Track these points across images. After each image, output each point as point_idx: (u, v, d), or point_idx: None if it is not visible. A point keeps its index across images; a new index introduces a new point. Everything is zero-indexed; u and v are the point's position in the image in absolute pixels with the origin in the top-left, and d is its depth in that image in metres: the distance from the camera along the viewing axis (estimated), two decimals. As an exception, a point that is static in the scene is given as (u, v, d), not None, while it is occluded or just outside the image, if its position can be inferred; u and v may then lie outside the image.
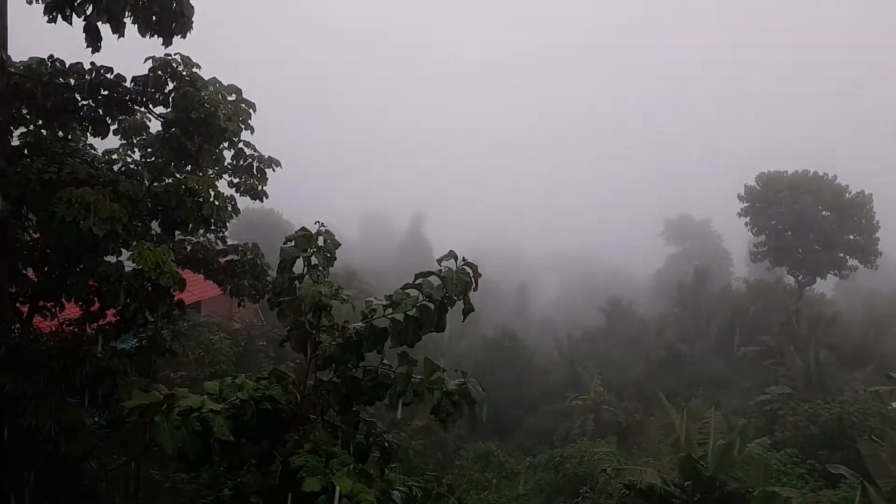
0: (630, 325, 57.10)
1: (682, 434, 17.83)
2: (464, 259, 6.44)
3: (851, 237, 44.64)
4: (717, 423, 18.58)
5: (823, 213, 44.41)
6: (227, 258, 13.71)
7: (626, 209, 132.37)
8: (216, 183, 11.36)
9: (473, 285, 6.43)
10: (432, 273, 6.35)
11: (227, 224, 12.63)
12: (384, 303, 6.35)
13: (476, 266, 6.51)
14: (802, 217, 43.82)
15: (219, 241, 14.12)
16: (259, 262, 13.46)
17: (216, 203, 10.43)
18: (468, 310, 6.48)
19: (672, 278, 69.08)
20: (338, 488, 4.94)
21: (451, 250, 6.43)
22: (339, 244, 6.67)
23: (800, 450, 21.03)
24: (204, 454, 5.13)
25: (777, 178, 46.05)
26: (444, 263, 6.36)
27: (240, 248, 13.74)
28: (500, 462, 29.33)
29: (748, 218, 47.42)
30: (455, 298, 6.30)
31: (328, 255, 6.49)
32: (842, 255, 45.01)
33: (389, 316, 6.28)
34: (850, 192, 44.38)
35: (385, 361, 6.51)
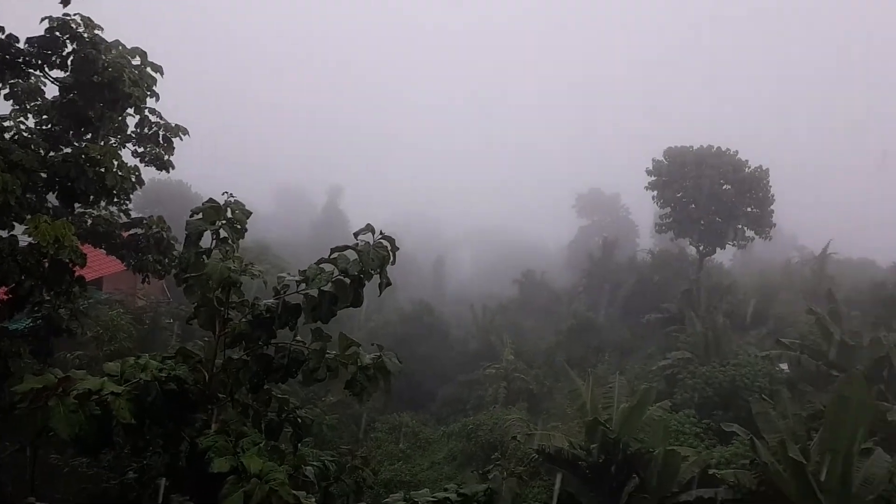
0: (542, 296, 58.70)
1: (589, 399, 18.56)
2: (381, 233, 6.37)
3: (749, 209, 47.13)
4: (621, 387, 19.42)
5: (724, 186, 46.64)
6: (131, 232, 13.05)
7: (541, 184, 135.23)
8: (119, 152, 10.76)
9: (391, 259, 6.39)
10: (348, 247, 6.26)
11: (131, 196, 12.01)
12: (297, 278, 6.21)
13: (393, 240, 6.46)
14: (705, 190, 45.93)
15: (122, 215, 13.39)
16: (165, 235, 12.90)
17: (119, 173, 9.90)
18: (385, 284, 6.44)
19: (583, 250, 71.38)
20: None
21: (367, 224, 6.35)
22: (250, 213, 6.45)
23: (697, 410, 22.33)
24: (104, 438, 4.91)
25: (682, 152, 47.93)
26: (360, 237, 6.28)
27: (144, 222, 13.10)
28: (415, 432, 29.76)
29: (655, 191, 49.26)
30: (372, 273, 6.24)
31: (238, 226, 6.27)
32: (740, 226, 47.49)
33: (303, 291, 6.15)
34: (749, 167, 46.80)
35: (298, 338, 6.39)
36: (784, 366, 24.66)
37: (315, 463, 6.90)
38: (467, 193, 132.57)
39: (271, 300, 6.24)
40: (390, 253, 6.27)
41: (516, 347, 40.36)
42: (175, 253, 12.54)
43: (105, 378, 5.15)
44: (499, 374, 36.08)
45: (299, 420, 6.83)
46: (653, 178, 48.95)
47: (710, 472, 15.93)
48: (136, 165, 11.42)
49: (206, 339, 6.49)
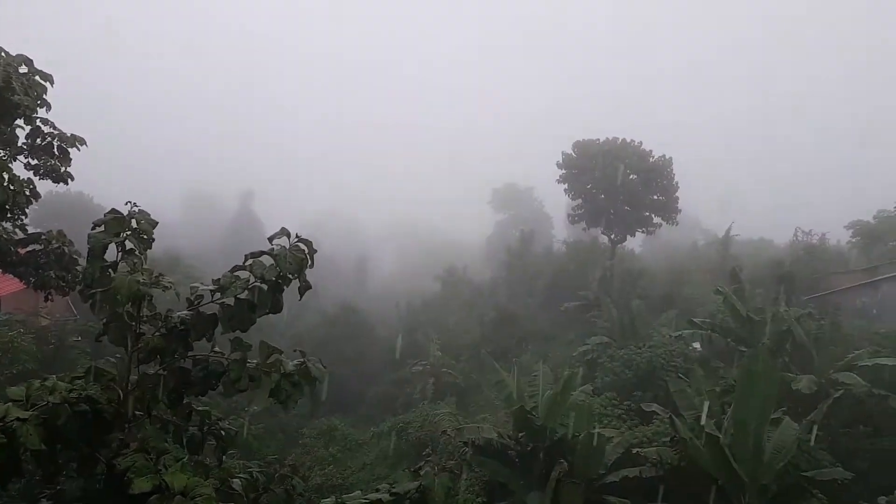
0: (465, 291, 59.33)
1: (515, 389, 18.89)
2: (297, 236, 6.25)
3: (655, 197, 49.14)
4: (545, 375, 19.85)
5: (631, 176, 48.40)
6: (29, 248, 12.29)
7: (459, 180, 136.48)
8: (9, 165, 10.10)
9: (309, 262, 6.27)
10: (264, 252, 6.11)
11: (27, 211, 11.30)
12: (212, 287, 6.02)
13: (311, 242, 6.35)
14: (613, 181, 47.50)
15: (17, 230, 12.59)
16: (66, 250, 12.22)
17: (11, 187, 9.28)
18: (305, 288, 6.32)
19: (501, 243, 72.56)
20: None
21: (283, 227, 6.22)
22: (156, 223, 6.17)
23: (618, 393, 23.08)
24: (13, 467, 4.62)
25: (590, 145, 49.43)
26: (276, 241, 6.13)
27: (43, 237, 12.35)
28: (344, 435, 29.50)
29: (566, 184, 50.60)
30: (290, 277, 6.12)
31: (144, 237, 6.00)
32: (647, 213, 49.44)
33: (218, 301, 5.96)
34: (653, 157, 48.75)
35: (217, 349, 6.20)
36: (696, 344, 25.82)
37: (242, 475, 6.71)
38: (386, 192, 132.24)
39: (185, 312, 6.03)
40: (308, 256, 6.17)
41: (442, 343, 40.61)
42: (79, 268, 11.91)
43: (9, 404, 4.84)
44: (426, 371, 36.23)
45: (223, 432, 6.64)
46: (563, 171, 50.25)
47: (634, 451, 16.52)
48: (29, 178, 10.74)
49: (118, 355, 6.19)
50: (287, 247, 6.04)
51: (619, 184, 47.47)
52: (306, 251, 6.17)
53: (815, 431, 16.42)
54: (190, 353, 6.06)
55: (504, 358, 36.01)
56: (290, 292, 6.25)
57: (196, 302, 5.95)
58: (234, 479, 5.98)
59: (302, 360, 6.26)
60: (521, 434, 17.40)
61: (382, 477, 23.88)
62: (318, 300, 51.29)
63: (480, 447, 17.66)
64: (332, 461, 27.43)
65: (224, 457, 6.71)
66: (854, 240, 51.81)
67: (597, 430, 16.73)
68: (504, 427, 19.31)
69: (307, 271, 6.26)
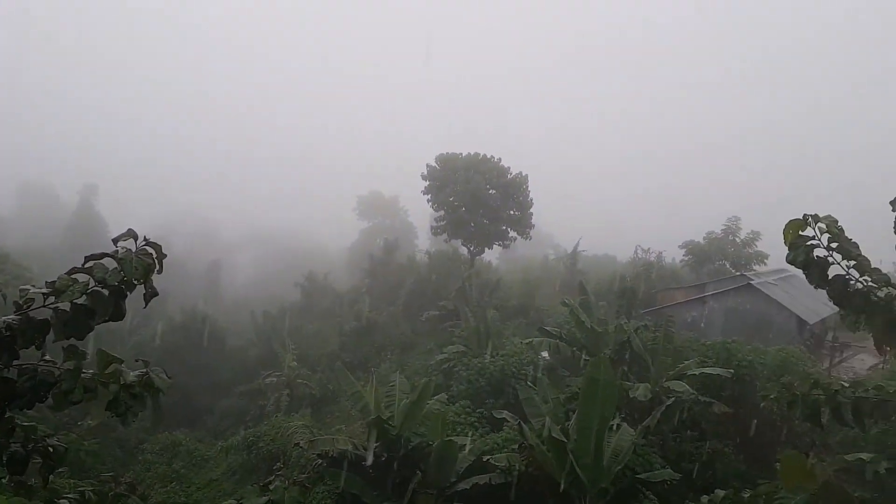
0: (326, 299, 58.42)
1: (371, 399, 18.87)
2: (145, 238, 5.89)
3: (512, 212, 51.23)
4: (401, 384, 20.01)
5: (491, 191, 50.16)
6: None
7: (323, 187, 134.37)
8: None
9: (157, 267, 5.93)
10: (106, 255, 5.71)
11: None
12: (45, 290, 5.54)
13: (160, 246, 5.99)
14: (474, 194, 49.00)
15: None
16: None
17: None
18: (151, 294, 5.95)
19: (364, 252, 72.29)
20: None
21: (129, 229, 5.83)
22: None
23: (472, 401, 23.68)
24: None
25: (453, 158, 50.67)
26: (121, 243, 5.75)
27: None
28: (190, 450, 28.03)
29: (430, 195, 51.48)
30: (135, 282, 5.76)
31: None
32: (505, 227, 51.41)
33: (52, 305, 5.50)
34: (511, 173, 50.80)
35: (48, 357, 5.71)
36: (545, 353, 27.08)
37: (71, 495, 6.23)
38: (245, 195, 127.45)
39: (12, 316, 5.52)
40: (156, 261, 5.85)
41: (300, 352, 39.74)
42: None
43: None
44: (281, 382, 35.26)
45: (50, 449, 6.11)
46: (427, 182, 51.10)
47: (485, 458, 17.01)
48: None
49: (-74, 366, 5.53)
50: (133, 250, 5.70)
51: (479, 198, 48.99)
52: (154, 255, 5.85)
53: (650, 436, 17.82)
54: (15, 362, 5.55)
55: (363, 367, 35.95)
56: (134, 298, 5.91)
57: (25, 306, 5.46)
58: (62, 500, 5.54)
59: (144, 370, 5.92)
60: (376, 444, 17.39)
61: (229, 493, 22.89)
62: (166, 307, 48.58)
63: (335, 459, 17.47)
64: (176, 478, 25.98)
65: (52, 476, 6.19)
66: (686, 258, 56.61)
67: (450, 438, 17.09)
68: (360, 438, 19.23)
69: (155, 277, 5.94)
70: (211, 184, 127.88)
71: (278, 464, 21.15)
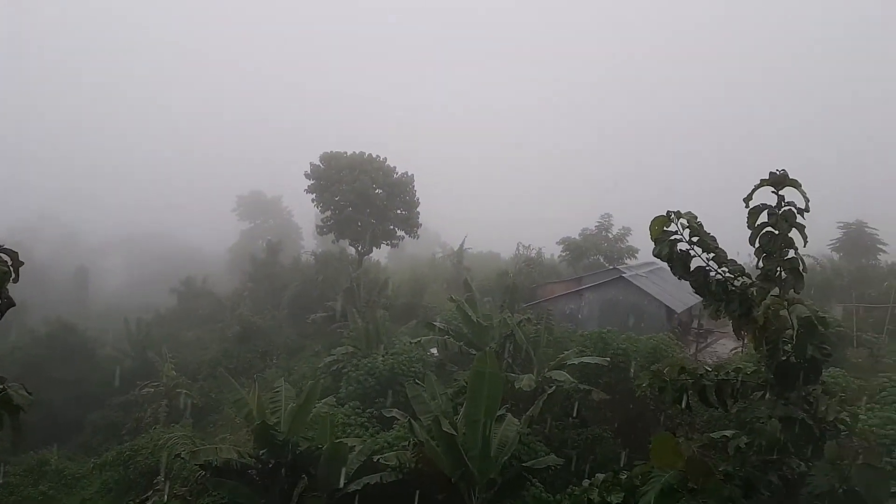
0: (205, 304, 56.13)
1: (255, 405, 18.31)
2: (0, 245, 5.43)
3: (399, 212, 51.36)
4: (288, 389, 19.55)
5: (377, 191, 50.04)
6: None
7: (199, 187, 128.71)
8: None
9: (14, 276, 5.48)
10: (-50, 263, 5.21)
11: None
12: None
13: (17, 253, 5.55)
14: (360, 194, 48.68)
15: None
16: None
17: None
18: (6, 305, 5.50)
19: (246, 253, 70.00)
20: None
21: (-22, 235, 5.33)
22: None
23: (361, 401, 23.53)
24: None
25: (338, 157, 50.08)
26: (-30, 251, 5.27)
27: None
28: (58, 470, 26.05)
29: (315, 194, 50.60)
30: (-14, 293, 5.30)
31: None
32: (392, 227, 51.45)
33: None
34: (397, 173, 50.90)
35: None
36: (434, 350, 27.35)
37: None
38: (114, 197, 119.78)
39: None
40: (12, 269, 5.39)
41: (179, 361, 37.93)
42: None
43: None
44: (159, 392, 33.52)
45: None
46: (312, 181, 50.21)
47: (376, 458, 16.97)
48: None
49: None
50: (-15, 257, 5.22)
51: (366, 197, 48.76)
52: (10, 263, 5.39)
53: (534, 425, 18.42)
54: None
55: (247, 374, 34.79)
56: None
57: None
58: None
59: (1, 386, 5.44)
60: (262, 451, 16.89)
61: (104, 512, 21.53)
62: (28, 318, 44.94)
63: (219, 469, 16.79)
64: (43, 500, 24.07)
65: None
66: (564, 254, 59.09)
67: (339, 440, 16.90)
68: (245, 446, 18.60)
69: (10, 286, 5.47)
70: (75, 185, 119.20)
71: (158, 478, 20.09)
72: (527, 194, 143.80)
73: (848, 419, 6.93)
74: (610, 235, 60.15)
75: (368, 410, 22.63)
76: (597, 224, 61.05)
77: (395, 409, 19.90)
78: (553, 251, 62.46)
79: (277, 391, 19.87)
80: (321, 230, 52.73)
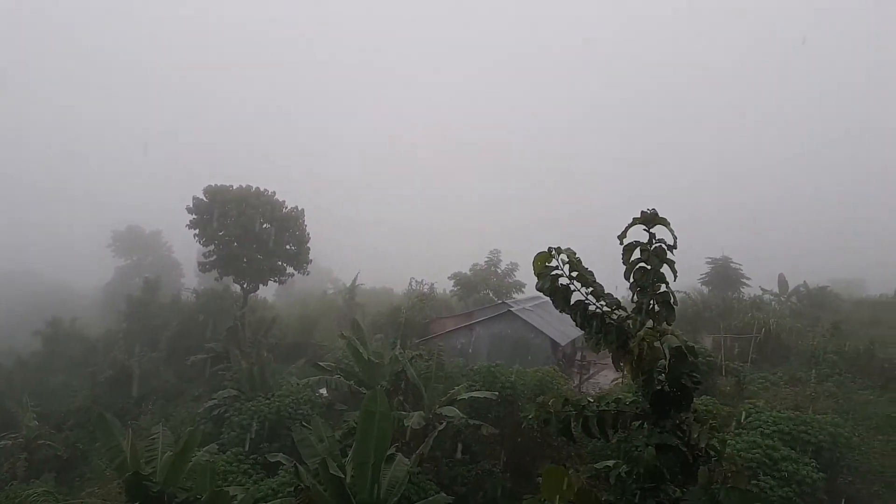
0: (75, 346, 52.18)
1: (128, 454, 17.05)
2: None
3: (288, 247, 50.16)
4: (165, 436, 18.36)
5: (265, 225, 48.69)
6: None
7: (72, 222, 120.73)
8: None
9: None
10: None
11: None
12: None
13: None
14: (247, 229, 47.18)
15: None
16: None
17: None
18: None
19: (121, 292, 65.91)
20: None
21: None
22: None
23: (245, 447, 22.49)
24: None
25: (223, 191, 48.41)
26: None
27: None
28: None
29: (197, 229, 48.53)
30: None
31: None
32: (280, 263, 50.11)
33: None
34: (286, 207, 49.84)
35: None
36: (323, 390, 26.65)
37: None
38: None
39: None
40: None
41: (42, 410, 34.81)
42: None
43: None
44: (17, 445, 30.52)
45: None
46: (194, 216, 48.22)
47: (258, 505, 16.19)
48: None
49: None
50: None
51: (253, 232, 47.33)
52: None
53: (424, 464, 18.24)
54: None
55: (121, 421, 32.34)
56: None
57: None
58: None
59: None
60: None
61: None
62: None
63: (83, 527, 15.43)
64: None
65: None
66: (455, 289, 59.92)
67: (220, 489, 15.99)
68: (116, 499, 17.20)
69: None
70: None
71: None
72: (421, 229, 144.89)
73: (718, 445, 7.28)
74: (499, 270, 61.67)
75: (252, 456, 21.64)
76: (486, 259, 62.47)
77: (281, 454, 19.11)
78: (445, 286, 63.17)
79: (154, 439, 18.62)
80: (203, 267, 50.48)
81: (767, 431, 17.90)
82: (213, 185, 48.72)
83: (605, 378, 34.60)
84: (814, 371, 30.44)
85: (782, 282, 61.45)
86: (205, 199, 48.17)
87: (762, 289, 61.97)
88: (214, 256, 48.50)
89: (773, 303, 58.27)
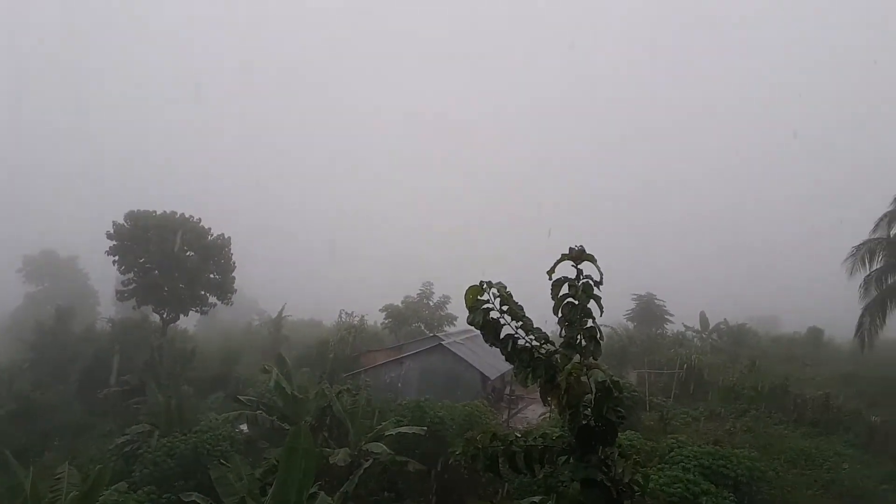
0: (-27, 378, 48.65)
1: (29, 494, 15.88)
2: None
3: (212, 276, 48.65)
4: (71, 475, 17.20)
5: (189, 253, 47.15)
6: None
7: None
8: None
9: None
10: None
11: None
12: None
13: None
14: (169, 256, 45.55)
15: None
16: None
17: None
18: None
19: (31, 320, 62.24)
20: None
21: None
22: None
23: (158, 486, 21.24)
24: None
25: (145, 216, 46.74)
26: None
27: None
28: None
29: (117, 256, 46.55)
30: None
31: None
32: (204, 292, 48.50)
33: None
34: (212, 235, 48.47)
35: None
36: (244, 426, 25.68)
37: None
38: None
39: None
40: None
41: (-72, 449, 32.12)
42: None
43: None
44: None
45: None
46: (114, 242, 46.28)
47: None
48: None
49: None
50: None
51: (175, 260, 45.73)
52: None
53: (349, 502, 17.67)
54: None
55: (23, 458, 30.18)
56: None
57: None
58: None
59: None
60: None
61: None
62: None
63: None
64: None
65: None
66: (386, 321, 59.37)
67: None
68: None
69: None
70: None
71: None
72: (354, 260, 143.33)
73: (641, 480, 7.30)
74: (431, 303, 61.56)
75: (166, 496, 20.45)
76: (418, 292, 62.32)
77: (196, 493, 18.17)
78: (376, 318, 62.54)
79: (59, 478, 17.41)
80: (122, 295, 48.30)
81: (689, 466, 18.24)
82: (135, 210, 47.00)
83: (534, 412, 34.77)
84: (732, 406, 31.49)
85: (703, 319, 63.82)
86: (126, 224, 46.36)
87: (685, 325, 64.24)
88: (134, 284, 46.56)
89: (694, 339, 60.33)
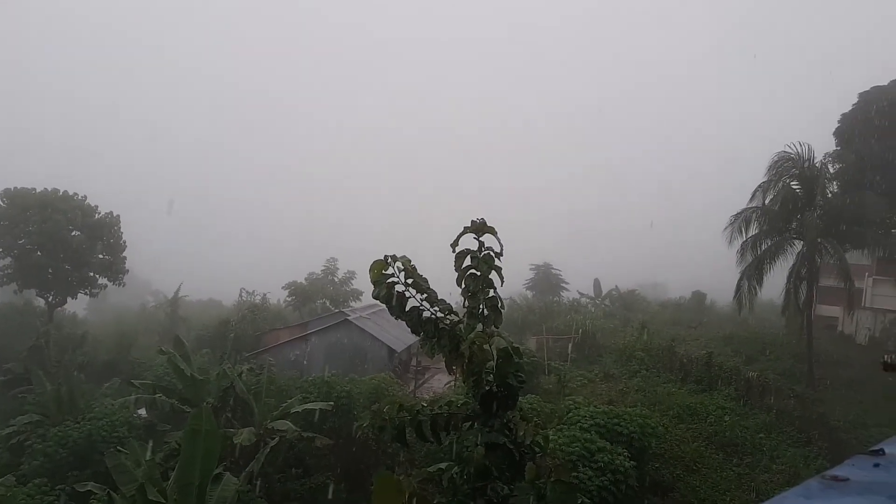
0: None
1: None
2: None
3: (101, 256, 46.06)
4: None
5: (74, 232, 44.39)
6: None
7: None
8: None
9: None
10: None
11: None
12: None
13: None
14: (53, 236, 42.71)
15: None
16: None
17: None
18: None
19: None
20: None
21: None
22: None
23: (51, 477, 20.23)
24: None
25: (24, 195, 43.56)
26: None
27: None
28: None
29: (-7, 237, 43.20)
30: None
31: None
32: (92, 273, 45.90)
33: None
34: (99, 213, 45.79)
35: None
36: (142, 410, 24.74)
37: None
38: None
39: None
40: None
41: None
42: None
43: None
44: None
45: None
46: (-9, 222, 42.91)
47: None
48: None
49: None
50: None
51: (59, 240, 42.93)
52: None
53: (255, 481, 17.54)
54: None
55: None
56: None
57: None
58: None
59: None
60: None
61: None
62: None
63: None
64: None
65: None
66: (290, 299, 58.40)
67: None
68: None
69: None
70: None
71: None
72: (252, 239, 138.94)
73: (542, 441, 7.72)
74: (336, 279, 60.99)
75: (59, 487, 19.51)
76: (323, 268, 61.56)
77: (92, 483, 17.45)
78: (279, 296, 61.35)
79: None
80: (0, 279, 45.00)
81: (586, 426, 19.24)
82: (11, 188, 43.67)
83: (439, 382, 35.39)
84: (625, 368, 33.31)
85: (597, 286, 66.78)
86: (2, 203, 43.04)
87: (579, 293, 66.97)
88: (13, 268, 43.43)
89: (589, 306, 63.07)
